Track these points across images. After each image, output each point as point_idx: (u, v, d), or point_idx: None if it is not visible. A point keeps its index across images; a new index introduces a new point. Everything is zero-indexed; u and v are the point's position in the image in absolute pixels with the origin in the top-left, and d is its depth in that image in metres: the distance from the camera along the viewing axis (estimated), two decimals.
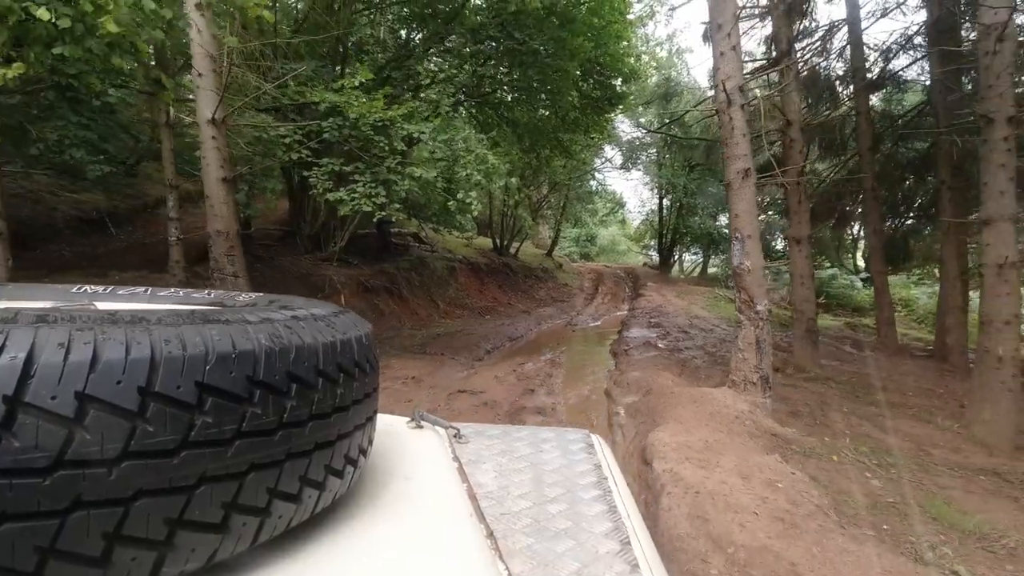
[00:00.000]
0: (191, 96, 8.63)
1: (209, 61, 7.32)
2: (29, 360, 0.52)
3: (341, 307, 0.91)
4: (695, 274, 27.39)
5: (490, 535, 0.78)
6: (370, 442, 0.88)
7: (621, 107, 14.85)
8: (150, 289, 1.09)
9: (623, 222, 37.42)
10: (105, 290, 1.09)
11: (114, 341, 0.56)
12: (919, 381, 7.54)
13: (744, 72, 9.69)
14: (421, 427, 1.19)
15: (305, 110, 9.20)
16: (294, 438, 0.68)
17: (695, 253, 28.92)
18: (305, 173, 8.63)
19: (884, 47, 10.14)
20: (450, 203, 9.10)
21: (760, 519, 3.04)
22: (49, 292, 1.10)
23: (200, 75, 7.31)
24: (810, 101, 10.60)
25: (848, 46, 9.94)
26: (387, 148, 8.34)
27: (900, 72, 10.42)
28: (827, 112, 10.65)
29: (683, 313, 13.30)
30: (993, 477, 4.26)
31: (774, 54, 8.77)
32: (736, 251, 5.64)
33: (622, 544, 0.82)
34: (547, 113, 12.63)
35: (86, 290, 1.08)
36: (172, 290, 1.09)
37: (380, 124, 8.10)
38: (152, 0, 4.77)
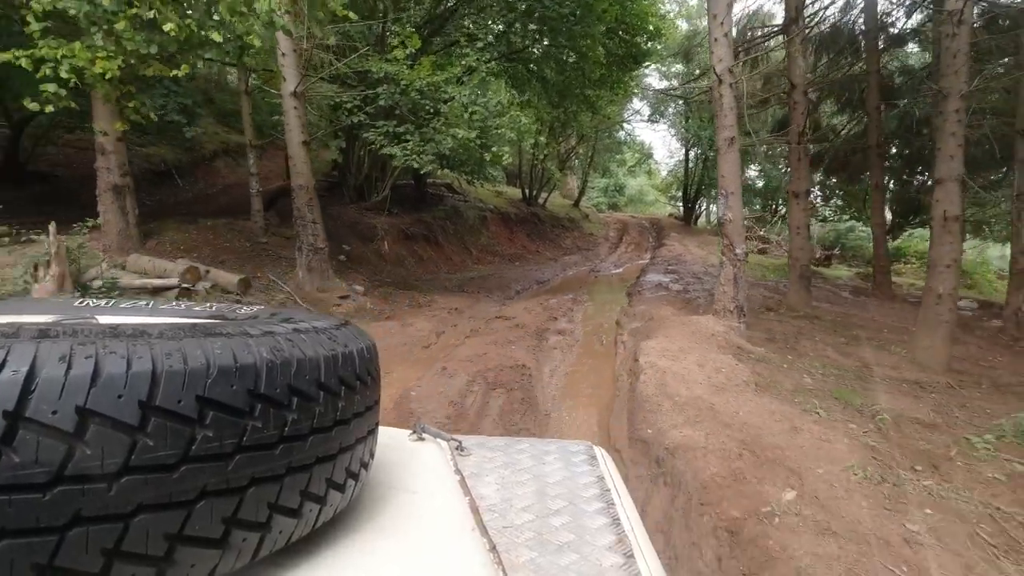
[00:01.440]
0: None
1: (291, 43, 7.61)
2: (30, 375, 0.46)
3: (342, 319, 0.80)
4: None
5: (493, 549, 0.69)
6: (372, 455, 0.79)
7: (647, 63, 13.63)
8: (152, 302, 1.01)
9: (651, 172, 34.59)
10: (107, 303, 1.02)
11: (115, 355, 0.50)
12: (897, 321, 7.39)
13: (756, 36, 9.11)
14: (423, 439, 1.09)
15: (362, 77, 9.15)
16: (295, 452, 0.60)
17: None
18: (366, 135, 8.67)
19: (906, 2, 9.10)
20: (486, 155, 8.92)
21: (701, 386, 3.95)
22: (51, 306, 1.03)
23: (283, 55, 7.62)
24: (831, 56, 9.74)
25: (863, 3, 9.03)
26: (431, 111, 8.30)
27: (921, 28, 9.39)
28: (846, 69, 9.82)
29: (700, 262, 12.88)
30: (913, 386, 4.54)
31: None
32: (721, 205, 5.99)
33: (626, 557, 0.72)
34: (573, 73, 11.74)
35: (88, 304, 1.01)
36: (173, 303, 1.01)
37: (426, 89, 8.04)
38: (281, 18, 5.48)
